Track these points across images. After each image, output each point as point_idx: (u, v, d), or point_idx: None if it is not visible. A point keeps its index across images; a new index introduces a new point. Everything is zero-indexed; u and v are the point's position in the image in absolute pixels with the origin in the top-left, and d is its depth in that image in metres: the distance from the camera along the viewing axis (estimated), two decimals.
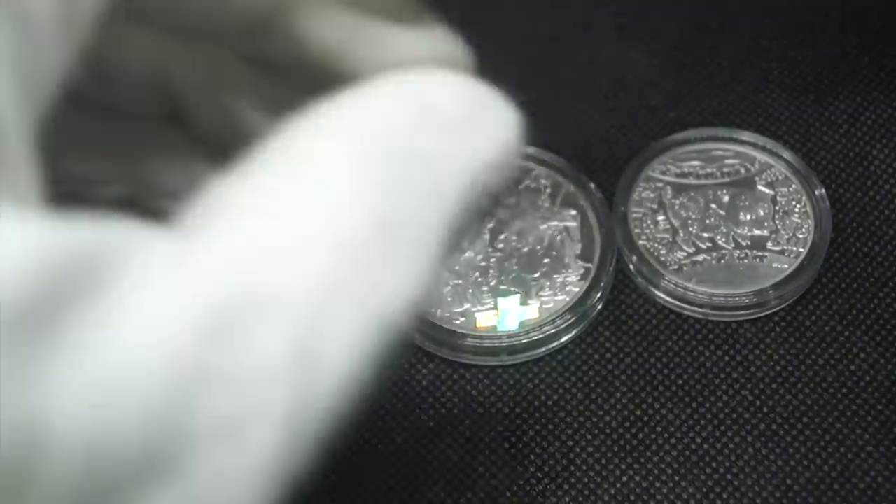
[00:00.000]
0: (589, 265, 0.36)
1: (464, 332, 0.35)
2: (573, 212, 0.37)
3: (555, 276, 0.36)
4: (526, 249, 0.36)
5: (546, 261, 0.36)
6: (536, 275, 0.36)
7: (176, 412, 0.14)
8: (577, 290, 0.35)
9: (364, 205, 0.18)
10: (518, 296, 0.35)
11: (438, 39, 0.24)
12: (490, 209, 0.20)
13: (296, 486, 0.16)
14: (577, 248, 0.36)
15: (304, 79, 0.23)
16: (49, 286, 0.14)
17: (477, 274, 0.36)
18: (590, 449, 0.34)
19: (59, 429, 0.13)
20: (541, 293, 0.35)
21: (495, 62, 0.35)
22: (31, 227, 0.14)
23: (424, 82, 0.21)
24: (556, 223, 0.37)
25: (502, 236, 0.37)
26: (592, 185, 0.37)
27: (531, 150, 0.38)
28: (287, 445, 0.16)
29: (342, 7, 0.23)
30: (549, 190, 0.38)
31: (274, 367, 0.16)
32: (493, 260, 0.36)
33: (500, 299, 0.35)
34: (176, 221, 0.17)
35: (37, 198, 0.15)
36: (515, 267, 0.36)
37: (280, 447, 0.16)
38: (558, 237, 0.36)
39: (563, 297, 0.35)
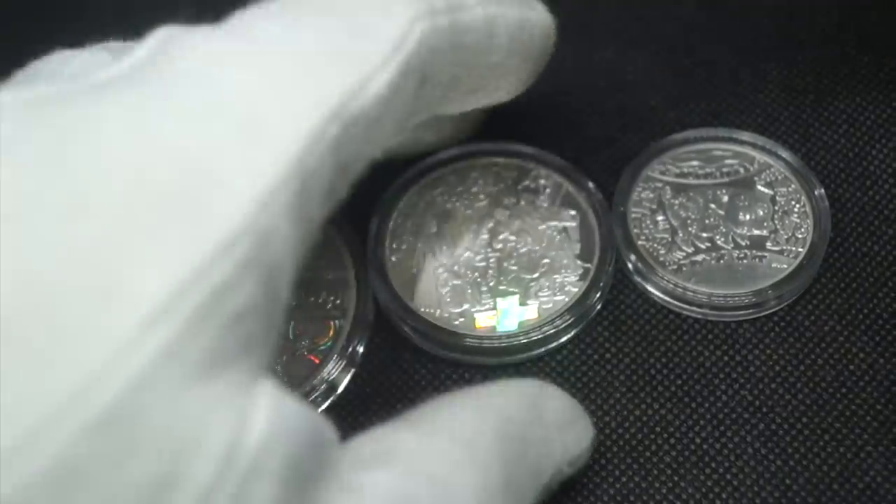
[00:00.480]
0: (588, 265, 0.36)
1: (463, 332, 0.35)
2: (572, 212, 0.37)
3: (554, 277, 0.36)
4: (524, 249, 0.36)
5: (545, 261, 0.36)
6: (535, 275, 0.36)
7: None
8: (576, 290, 0.35)
9: (496, 465, 0.25)
10: (517, 296, 0.35)
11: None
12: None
13: None
14: (576, 249, 0.36)
15: None
16: (301, 458, 0.20)
17: (476, 274, 0.36)
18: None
19: None
20: (540, 293, 0.35)
21: None
22: (299, 410, 0.21)
23: (537, 388, 0.30)
24: (555, 223, 0.37)
25: (501, 236, 0.36)
26: (592, 185, 0.37)
27: (530, 150, 0.38)
28: None
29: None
30: (548, 190, 0.37)
31: None
32: (492, 260, 0.36)
33: (499, 300, 0.35)
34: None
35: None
36: (514, 267, 0.36)
37: None
38: (557, 237, 0.36)
39: (563, 297, 0.35)
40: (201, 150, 0.20)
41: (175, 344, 0.18)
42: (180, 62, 0.22)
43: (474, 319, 0.35)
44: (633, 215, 0.37)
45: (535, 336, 0.35)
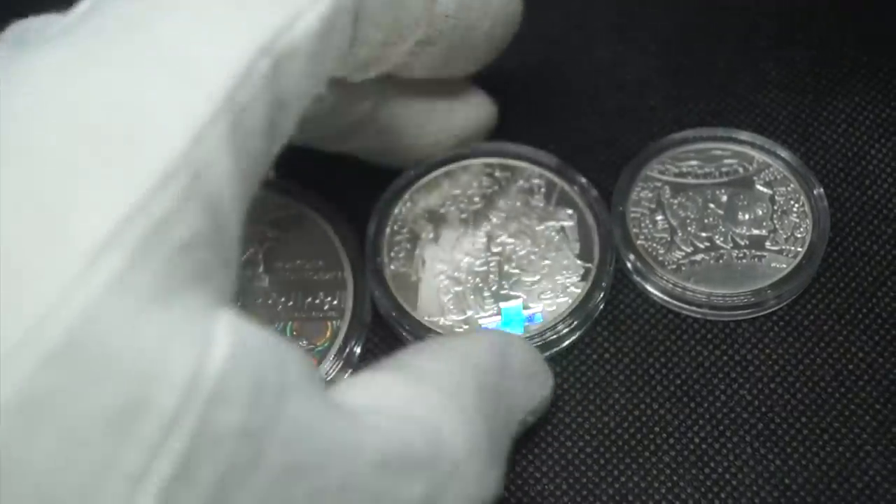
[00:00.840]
0: (589, 265, 0.36)
1: None
2: (569, 211, 0.37)
3: (556, 278, 0.36)
4: (524, 252, 0.36)
5: (545, 262, 0.36)
6: (537, 277, 0.36)
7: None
8: (578, 290, 0.35)
9: (481, 418, 0.26)
10: (520, 300, 0.35)
11: (482, 105, 0.36)
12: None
13: None
14: (576, 249, 0.36)
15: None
16: (266, 381, 0.20)
17: (477, 279, 0.36)
18: (588, 449, 0.34)
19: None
20: (542, 296, 0.35)
21: (492, 65, 0.35)
22: (261, 336, 0.21)
23: (503, 337, 0.31)
24: (552, 223, 0.37)
25: (499, 239, 0.36)
26: (585, 181, 0.37)
27: (521, 149, 0.38)
28: None
29: (418, 94, 0.33)
30: (543, 190, 0.37)
31: None
32: (492, 264, 0.36)
33: (502, 304, 0.35)
34: None
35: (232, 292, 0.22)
36: (515, 270, 0.36)
37: None
38: (556, 238, 0.36)
39: (566, 298, 0.35)
40: (134, 91, 0.21)
41: (124, 274, 0.19)
42: (115, 9, 0.23)
43: (479, 325, 0.35)
44: (632, 215, 0.37)
45: (538, 342, 0.34)
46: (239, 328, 0.20)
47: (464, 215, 0.37)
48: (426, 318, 0.35)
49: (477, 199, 0.37)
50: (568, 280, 0.35)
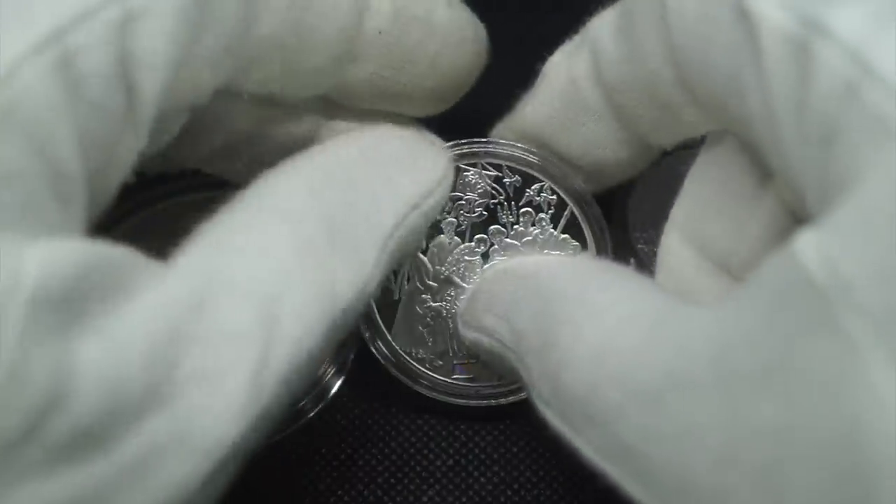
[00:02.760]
0: None
1: (437, 377, 0.34)
2: (574, 243, 0.33)
3: None
4: None
5: None
6: None
7: (165, 362, 0.21)
8: None
9: (313, 218, 0.25)
10: None
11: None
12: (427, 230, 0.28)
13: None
14: None
15: None
16: (83, 283, 0.20)
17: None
18: None
19: (83, 371, 0.20)
20: None
21: (493, 63, 0.35)
22: (78, 245, 0.21)
23: (368, 132, 0.29)
24: (555, 253, 0.33)
25: (493, 262, 0.33)
26: (599, 213, 0.33)
27: (538, 158, 0.33)
28: (253, 392, 0.22)
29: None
30: (551, 211, 0.33)
31: (241, 331, 0.22)
32: None
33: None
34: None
35: (81, 227, 0.22)
36: None
37: (247, 392, 0.22)
38: None
39: None
40: None
41: None
42: None
43: (452, 370, 0.34)
44: (634, 217, 0.37)
45: (510, 398, 0.33)
46: (57, 244, 0.21)
47: (462, 227, 0.33)
48: (399, 347, 0.33)
49: (478, 208, 0.33)
50: None
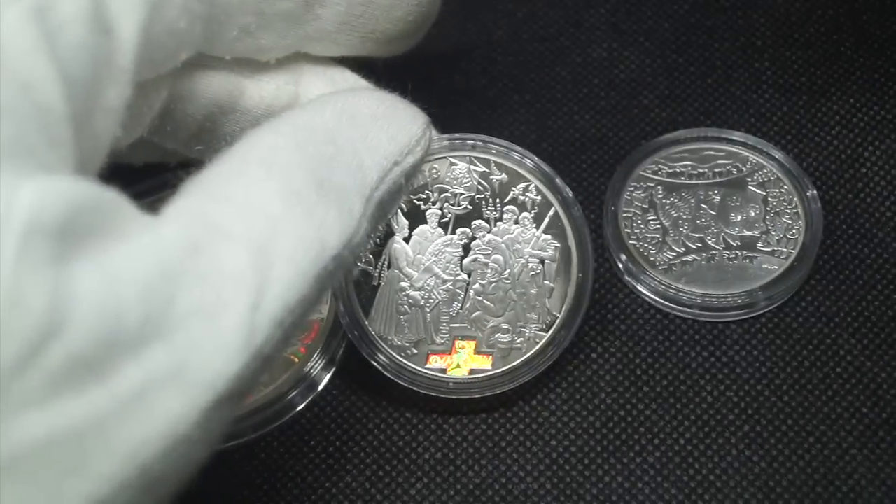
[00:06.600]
0: (556, 315, 0.34)
1: (412, 368, 0.34)
2: (556, 244, 0.35)
3: (518, 323, 0.34)
4: (495, 279, 0.34)
5: (512, 300, 0.34)
6: (500, 318, 0.34)
7: (161, 297, 0.21)
8: (538, 343, 0.34)
9: (299, 170, 0.25)
10: (474, 343, 0.34)
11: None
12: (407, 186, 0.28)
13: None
14: (548, 292, 0.34)
15: None
16: (77, 218, 0.21)
17: (440, 304, 0.34)
18: (573, 449, 0.34)
19: (80, 300, 0.20)
20: (499, 340, 0.34)
21: (489, 61, 0.35)
22: (71, 182, 0.21)
23: (346, 93, 0.30)
24: (535, 252, 0.35)
25: (473, 256, 0.35)
26: (581, 213, 0.35)
27: (530, 161, 0.35)
28: (249, 329, 0.22)
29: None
30: (535, 210, 0.35)
31: (236, 272, 0.22)
32: (459, 286, 0.34)
33: (457, 342, 0.34)
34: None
35: (73, 173, 0.23)
36: (479, 298, 0.34)
37: (244, 329, 0.22)
38: (531, 273, 0.34)
39: (521, 344, 0.34)
40: None
41: None
42: None
43: (426, 357, 0.34)
44: (625, 214, 0.37)
45: (485, 392, 0.34)
46: (48, 182, 0.21)
47: (445, 218, 0.35)
48: (375, 332, 0.34)
49: (463, 201, 0.35)
50: (530, 326, 0.34)
